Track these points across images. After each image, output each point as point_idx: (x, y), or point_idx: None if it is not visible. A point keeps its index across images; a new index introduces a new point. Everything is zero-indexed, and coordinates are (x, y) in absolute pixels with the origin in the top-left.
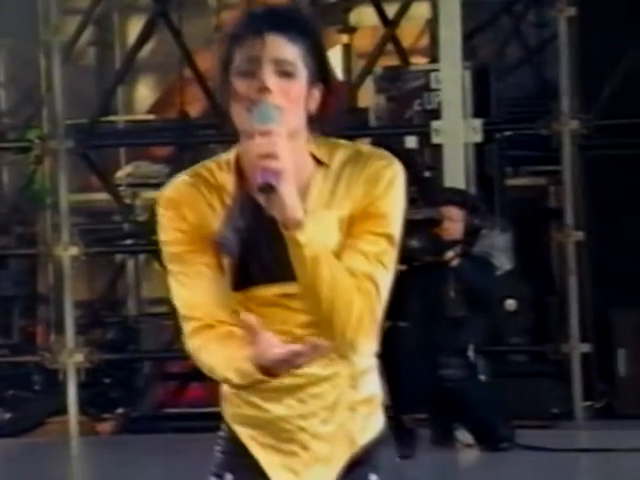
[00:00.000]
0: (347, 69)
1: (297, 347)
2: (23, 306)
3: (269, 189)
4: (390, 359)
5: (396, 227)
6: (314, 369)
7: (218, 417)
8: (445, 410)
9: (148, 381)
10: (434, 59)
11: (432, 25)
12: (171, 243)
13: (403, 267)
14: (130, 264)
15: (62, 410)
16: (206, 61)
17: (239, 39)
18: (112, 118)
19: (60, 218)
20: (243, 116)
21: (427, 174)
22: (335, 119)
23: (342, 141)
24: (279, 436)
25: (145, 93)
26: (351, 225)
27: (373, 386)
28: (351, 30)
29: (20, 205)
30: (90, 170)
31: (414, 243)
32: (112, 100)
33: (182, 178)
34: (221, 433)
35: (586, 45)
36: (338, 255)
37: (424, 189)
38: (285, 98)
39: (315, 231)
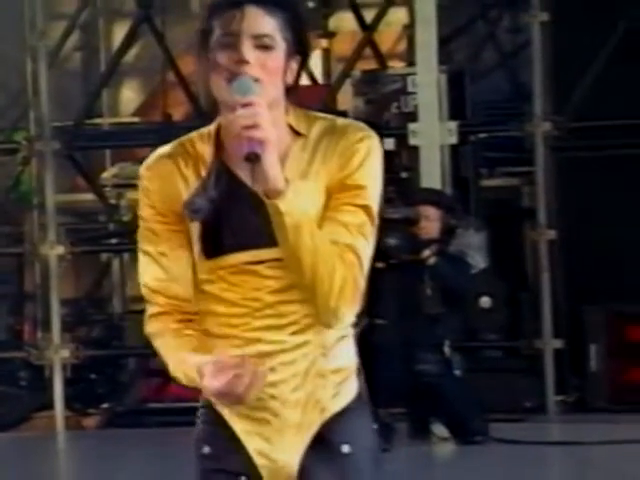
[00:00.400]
0: (326, 73)
1: (236, 372)
2: (10, 304)
3: (255, 158)
4: (367, 355)
5: (374, 199)
6: (284, 337)
7: None
8: (421, 404)
9: (133, 377)
10: (411, 63)
11: (409, 30)
12: (145, 219)
13: (381, 265)
14: (115, 263)
15: (48, 405)
16: (189, 65)
17: (218, 10)
18: (97, 120)
19: (46, 218)
20: (223, 88)
21: (404, 175)
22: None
23: (320, 114)
24: (251, 404)
25: (129, 96)
26: (329, 197)
27: (347, 354)
28: (330, 35)
29: (7, 205)
30: (76, 171)
31: (392, 241)
32: (97, 103)
33: (162, 150)
34: (200, 402)
35: (558, 49)
36: (319, 226)
37: (401, 189)
38: (263, 70)
39: (296, 200)
